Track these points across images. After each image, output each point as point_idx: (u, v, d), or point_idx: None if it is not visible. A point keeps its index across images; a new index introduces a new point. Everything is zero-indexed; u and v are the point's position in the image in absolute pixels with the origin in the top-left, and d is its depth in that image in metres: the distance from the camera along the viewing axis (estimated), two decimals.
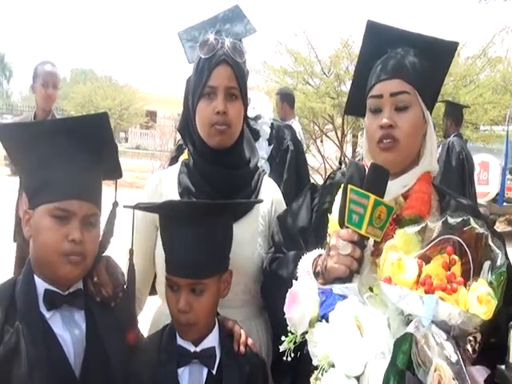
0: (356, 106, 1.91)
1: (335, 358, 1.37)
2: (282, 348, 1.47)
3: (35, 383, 1.48)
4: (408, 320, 1.36)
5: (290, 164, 2.65)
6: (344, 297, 1.46)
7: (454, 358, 1.28)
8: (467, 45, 12.85)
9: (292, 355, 1.45)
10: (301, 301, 1.45)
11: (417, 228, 1.52)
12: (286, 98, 8.17)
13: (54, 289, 1.60)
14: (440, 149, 7.12)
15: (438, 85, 1.91)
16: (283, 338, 1.48)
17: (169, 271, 1.71)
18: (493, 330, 1.39)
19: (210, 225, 1.69)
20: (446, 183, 6.15)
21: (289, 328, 1.48)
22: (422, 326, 1.31)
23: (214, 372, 1.68)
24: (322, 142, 13.83)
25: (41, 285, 1.60)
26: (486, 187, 10.82)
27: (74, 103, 29.25)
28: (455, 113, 7.33)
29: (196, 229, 1.68)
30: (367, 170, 1.63)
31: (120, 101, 28.07)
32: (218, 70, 1.88)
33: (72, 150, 1.60)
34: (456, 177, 6.71)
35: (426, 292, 1.37)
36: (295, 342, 1.45)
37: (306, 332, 1.45)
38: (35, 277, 1.61)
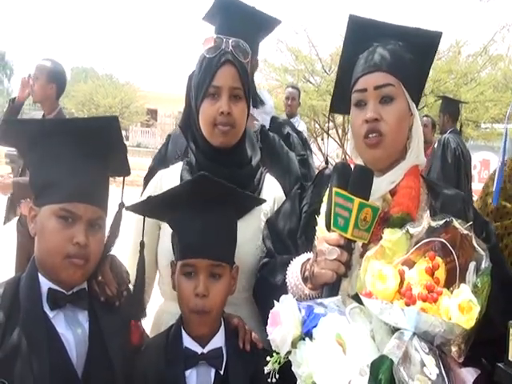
0: (341, 103, 1.88)
1: (318, 378, 1.34)
2: (266, 369, 1.43)
3: (37, 382, 1.48)
4: (394, 329, 1.34)
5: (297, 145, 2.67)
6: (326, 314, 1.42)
7: (434, 374, 1.26)
8: (468, 43, 12.88)
9: (277, 376, 1.42)
10: (282, 322, 1.41)
11: (399, 234, 1.49)
12: (299, 95, 8.21)
13: (58, 288, 1.60)
14: (436, 145, 7.10)
15: (423, 77, 1.87)
16: (268, 358, 1.45)
17: (187, 255, 1.69)
18: (485, 325, 1.37)
19: (228, 211, 1.72)
20: (442, 180, 6.14)
21: (273, 348, 1.44)
22: (403, 339, 1.29)
23: (222, 372, 1.68)
24: (322, 140, 13.84)
25: (45, 283, 1.60)
26: None
27: (75, 101, 29.25)
28: (452, 108, 7.29)
29: (215, 212, 1.69)
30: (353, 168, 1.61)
31: (121, 99, 28.06)
32: (223, 70, 1.89)
33: (80, 152, 1.59)
34: (452, 173, 6.68)
35: (407, 304, 1.35)
36: (280, 362, 1.41)
37: (290, 352, 1.41)
38: (39, 275, 1.60)
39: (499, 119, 13.11)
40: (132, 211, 1.78)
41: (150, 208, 1.78)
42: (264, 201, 1.93)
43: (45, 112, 4.51)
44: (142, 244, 1.77)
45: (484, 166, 11.04)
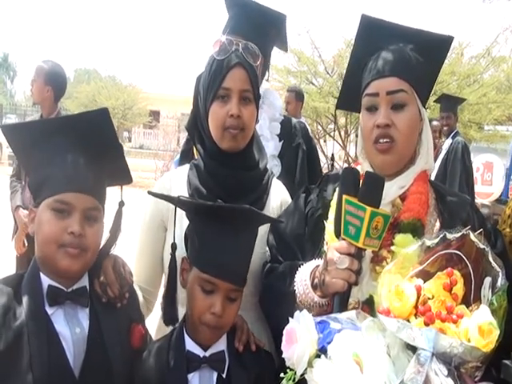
0: (348, 100, 1.87)
1: None
2: None
3: (35, 378, 1.49)
4: (409, 344, 1.31)
5: (302, 164, 2.65)
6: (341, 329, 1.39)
7: None
8: (471, 44, 12.84)
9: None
10: (298, 340, 1.38)
11: (414, 247, 1.48)
12: (300, 98, 8.15)
13: (58, 285, 1.60)
14: (449, 147, 7.06)
15: (432, 81, 1.86)
16: (282, 374, 1.40)
17: (210, 271, 1.63)
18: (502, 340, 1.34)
19: (253, 233, 1.70)
20: (459, 186, 6.18)
21: (287, 364, 1.41)
22: (422, 362, 1.26)
23: (224, 375, 1.67)
24: (325, 141, 13.82)
25: (45, 281, 1.61)
26: (490, 187, 10.76)
27: (78, 103, 29.25)
28: (456, 109, 7.30)
29: (244, 237, 1.67)
30: (360, 171, 1.58)
31: (123, 100, 28.10)
32: (233, 72, 1.87)
33: (71, 146, 1.61)
34: (466, 178, 6.70)
35: (426, 323, 1.32)
36: (294, 380, 1.38)
37: (306, 369, 1.38)
38: (41, 274, 1.61)
39: (502, 121, 13.09)
40: (157, 197, 1.80)
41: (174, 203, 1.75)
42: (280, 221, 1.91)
43: (44, 114, 4.48)
44: (173, 246, 1.73)
45: (487, 168, 10.98)
